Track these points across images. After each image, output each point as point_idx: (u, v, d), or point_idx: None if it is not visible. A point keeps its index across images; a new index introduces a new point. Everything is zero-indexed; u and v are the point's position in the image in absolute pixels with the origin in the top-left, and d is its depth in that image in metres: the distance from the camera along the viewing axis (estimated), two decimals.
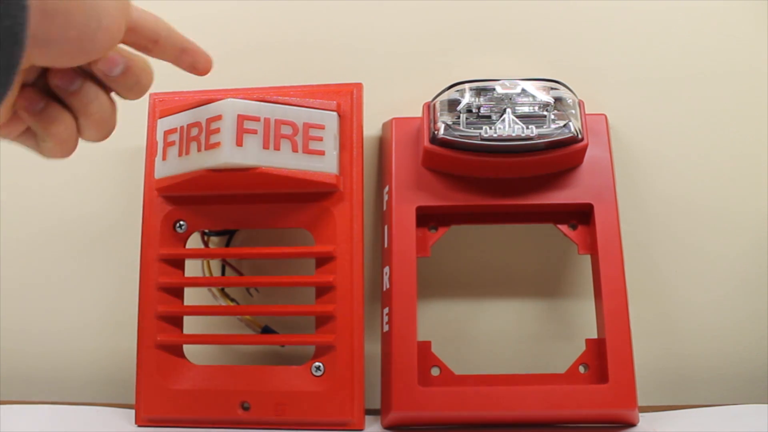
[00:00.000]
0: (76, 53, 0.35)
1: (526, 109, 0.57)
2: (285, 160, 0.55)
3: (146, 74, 0.40)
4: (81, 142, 0.41)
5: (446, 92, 0.58)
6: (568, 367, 0.57)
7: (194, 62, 0.44)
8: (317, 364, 0.56)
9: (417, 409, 0.54)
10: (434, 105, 0.59)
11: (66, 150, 0.39)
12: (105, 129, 0.40)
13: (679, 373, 0.64)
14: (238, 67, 0.67)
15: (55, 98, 0.39)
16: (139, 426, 0.57)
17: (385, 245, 0.59)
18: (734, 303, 0.64)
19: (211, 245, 0.63)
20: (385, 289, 0.58)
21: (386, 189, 0.61)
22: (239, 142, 0.54)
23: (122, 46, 0.39)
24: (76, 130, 0.39)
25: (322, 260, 0.57)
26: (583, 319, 0.63)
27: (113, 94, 0.40)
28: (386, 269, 0.58)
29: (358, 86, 0.60)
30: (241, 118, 0.54)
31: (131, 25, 0.39)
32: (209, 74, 0.66)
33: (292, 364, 0.58)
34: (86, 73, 0.39)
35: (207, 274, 0.61)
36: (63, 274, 0.69)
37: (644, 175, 0.65)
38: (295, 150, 0.56)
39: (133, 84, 0.40)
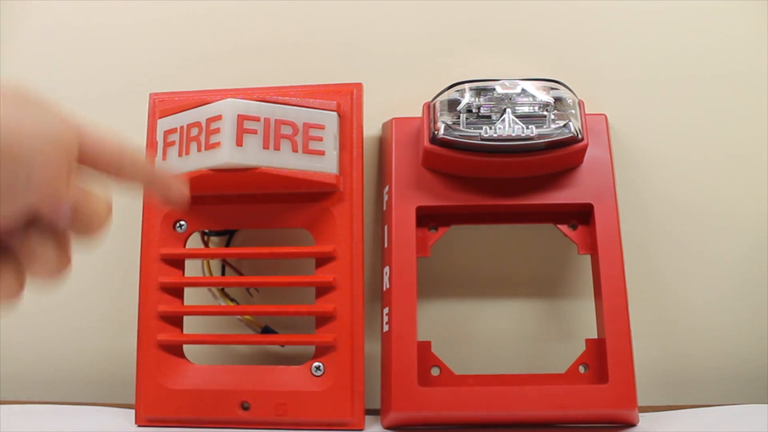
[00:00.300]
0: (8, 204, 0.31)
1: (526, 109, 0.57)
2: (285, 160, 0.55)
3: (98, 217, 0.34)
4: None
5: (446, 92, 0.58)
6: (568, 367, 0.57)
7: (167, 195, 0.39)
8: (317, 364, 0.56)
9: (417, 409, 0.54)
10: (434, 105, 0.59)
11: (11, 298, 0.34)
12: (56, 275, 0.35)
13: (679, 373, 0.64)
14: (238, 67, 0.67)
15: None
16: (139, 426, 0.57)
17: (385, 245, 0.59)
18: (734, 303, 0.64)
19: (211, 245, 0.63)
20: (385, 289, 0.58)
21: (386, 189, 0.61)
22: (239, 142, 0.54)
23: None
24: (21, 277, 0.34)
25: (322, 260, 0.57)
26: (583, 319, 0.63)
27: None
28: (386, 269, 0.58)
29: (358, 86, 0.60)
30: (241, 118, 0.55)
31: (85, 152, 0.34)
32: (209, 74, 0.67)
33: (292, 364, 0.58)
34: (28, 218, 0.33)
35: (207, 274, 0.61)
36: None
37: (644, 175, 0.65)
38: (295, 150, 0.56)
39: (84, 227, 0.34)
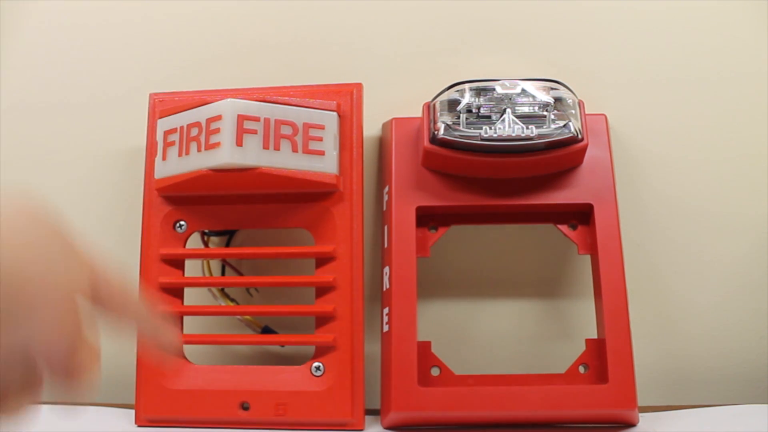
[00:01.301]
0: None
1: (526, 109, 0.57)
2: (285, 160, 0.55)
3: (90, 363, 0.31)
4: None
5: (446, 92, 0.58)
6: (568, 367, 0.57)
7: (160, 342, 0.37)
8: (317, 364, 0.56)
9: (417, 410, 0.54)
10: (434, 105, 0.59)
11: None
12: (22, 413, 0.32)
13: (679, 373, 0.64)
14: (238, 67, 0.67)
15: None
16: (139, 426, 0.57)
17: (385, 245, 0.59)
18: (734, 303, 0.64)
19: (211, 245, 0.62)
20: (385, 289, 0.58)
21: (386, 189, 0.61)
22: (239, 142, 0.54)
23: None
24: None
25: (322, 260, 0.57)
26: (583, 319, 0.63)
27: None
28: (386, 269, 0.58)
29: (358, 86, 0.60)
30: (241, 118, 0.55)
31: (93, 294, 0.31)
32: (209, 74, 0.67)
33: (292, 364, 0.58)
34: (15, 354, 0.30)
35: (207, 274, 0.61)
36: None
37: (644, 175, 0.65)
38: (295, 150, 0.56)
39: (71, 371, 0.31)
